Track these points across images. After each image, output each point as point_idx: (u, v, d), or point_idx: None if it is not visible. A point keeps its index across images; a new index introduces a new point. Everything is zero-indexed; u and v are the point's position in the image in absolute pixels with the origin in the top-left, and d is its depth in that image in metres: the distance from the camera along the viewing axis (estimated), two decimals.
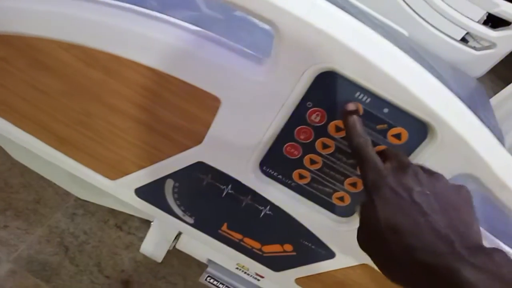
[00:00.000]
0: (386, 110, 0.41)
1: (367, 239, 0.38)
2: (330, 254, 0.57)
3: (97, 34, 0.44)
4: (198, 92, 0.44)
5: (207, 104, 0.45)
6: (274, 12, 0.36)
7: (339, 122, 0.43)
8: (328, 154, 0.46)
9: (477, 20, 1.04)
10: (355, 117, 0.41)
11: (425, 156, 0.43)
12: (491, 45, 1.07)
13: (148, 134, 0.50)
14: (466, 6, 1.03)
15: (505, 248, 0.50)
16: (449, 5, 1.04)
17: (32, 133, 0.55)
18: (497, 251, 0.32)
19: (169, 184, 0.55)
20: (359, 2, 0.98)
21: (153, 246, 0.78)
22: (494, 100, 1.15)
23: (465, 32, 1.15)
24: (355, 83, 0.40)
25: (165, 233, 0.75)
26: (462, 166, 0.43)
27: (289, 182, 0.50)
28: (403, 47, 0.38)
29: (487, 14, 1.10)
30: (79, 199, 1.04)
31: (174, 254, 0.84)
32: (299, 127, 0.45)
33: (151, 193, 0.58)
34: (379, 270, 0.37)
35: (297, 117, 0.44)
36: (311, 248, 0.57)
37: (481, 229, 0.51)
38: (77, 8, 0.43)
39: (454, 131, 0.40)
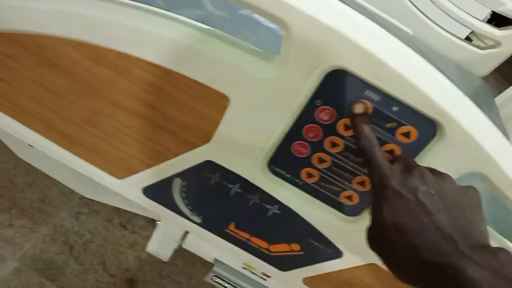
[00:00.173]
0: (395, 109, 0.41)
1: (375, 239, 0.39)
2: (337, 254, 0.57)
3: (105, 32, 0.43)
4: (206, 90, 0.44)
5: (216, 102, 0.45)
6: (284, 10, 0.36)
7: (348, 120, 0.43)
8: (336, 153, 0.46)
9: (481, 19, 1.04)
10: (362, 119, 0.41)
11: (434, 155, 0.43)
12: (496, 44, 1.07)
13: (156, 133, 0.50)
14: (470, 5, 1.03)
15: None
16: (453, 4, 1.03)
17: (39, 131, 0.55)
18: (502, 250, 0.32)
19: (177, 183, 0.55)
20: (364, 0, 0.97)
21: (159, 245, 0.78)
22: (498, 100, 1.15)
23: (470, 31, 1.15)
24: (364, 81, 0.40)
25: (172, 232, 0.75)
26: (471, 165, 0.43)
27: (297, 181, 0.50)
28: (408, 45, 0.38)
29: (491, 12, 1.10)
30: (84, 197, 1.04)
31: (178, 253, 0.84)
32: (308, 125, 0.45)
33: (158, 192, 0.58)
34: (387, 270, 0.37)
35: (306, 115, 0.44)
36: (318, 248, 0.57)
37: (489, 229, 0.51)
38: (85, 6, 0.43)
39: (464, 129, 0.40)
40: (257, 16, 0.68)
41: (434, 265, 0.32)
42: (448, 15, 1.02)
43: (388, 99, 0.41)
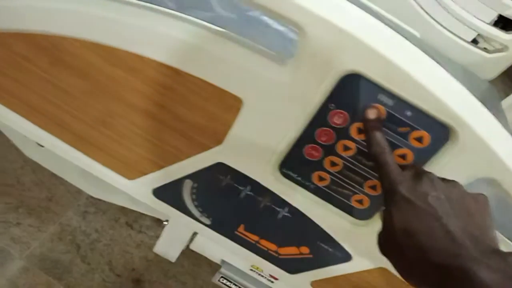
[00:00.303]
0: (409, 113, 0.41)
1: (386, 243, 0.39)
2: (347, 257, 0.57)
3: (119, 33, 0.44)
4: (220, 93, 0.44)
5: (229, 105, 0.45)
6: (300, 13, 0.36)
7: (361, 124, 0.43)
8: (349, 156, 0.46)
9: (488, 21, 1.04)
10: (375, 124, 0.41)
11: (447, 159, 0.43)
12: (503, 48, 1.06)
13: (168, 134, 0.50)
14: (478, 8, 1.03)
15: None
16: (461, 7, 1.03)
17: (51, 131, 0.55)
18: None
19: (188, 185, 0.55)
20: (371, 2, 0.97)
21: (167, 246, 0.78)
22: (505, 103, 1.15)
23: (477, 33, 1.14)
24: (379, 85, 0.40)
25: (180, 233, 0.76)
26: (483, 170, 0.43)
27: (308, 184, 0.50)
28: None
29: (498, 15, 1.10)
30: (91, 197, 1.04)
31: (185, 253, 0.84)
32: (321, 129, 0.45)
33: (168, 193, 0.58)
34: (397, 274, 0.37)
35: (319, 118, 0.44)
36: (328, 251, 0.57)
37: (499, 234, 0.51)
38: (101, 7, 0.43)
39: (477, 135, 0.40)
40: (265, 17, 0.68)
41: (444, 268, 0.33)
42: (455, 18, 1.02)
43: (402, 103, 0.41)
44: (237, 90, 0.44)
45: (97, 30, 0.44)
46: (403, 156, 0.44)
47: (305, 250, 0.59)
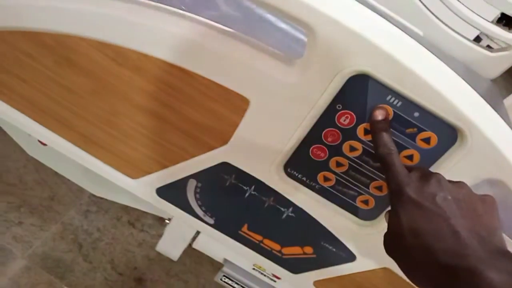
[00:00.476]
0: (416, 114, 0.41)
1: (392, 244, 0.39)
2: (351, 257, 0.57)
3: (127, 32, 0.43)
4: (226, 93, 0.44)
5: (236, 105, 0.45)
6: (310, 14, 0.36)
7: (368, 125, 0.43)
8: (355, 157, 0.46)
9: (491, 19, 1.03)
10: (382, 125, 0.41)
11: (454, 161, 0.43)
12: (507, 47, 1.06)
13: (174, 134, 0.50)
14: (481, 6, 1.02)
15: None
16: (465, 5, 1.03)
17: (55, 130, 0.55)
18: None
19: (192, 184, 0.55)
20: (376, 1, 0.97)
21: (169, 245, 0.78)
22: (508, 101, 1.14)
23: (479, 31, 1.14)
24: (387, 86, 0.40)
25: (183, 232, 0.75)
26: (490, 171, 0.43)
27: (313, 184, 0.50)
28: None
29: (501, 12, 1.09)
30: (93, 196, 1.04)
31: (187, 252, 0.84)
32: (327, 129, 0.45)
33: (172, 192, 0.58)
34: (404, 275, 0.37)
35: (326, 119, 0.44)
36: (332, 251, 0.57)
37: (505, 236, 0.51)
38: (106, 5, 0.43)
39: (485, 136, 0.40)
40: (270, 16, 0.68)
41: (452, 269, 0.33)
42: (459, 17, 1.02)
43: (410, 104, 0.40)
44: (244, 90, 0.44)
45: (103, 28, 0.44)
46: (409, 157, 0.44)
47: (309, 250, 0.58)
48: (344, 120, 0.43)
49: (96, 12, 0.43)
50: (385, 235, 0.40)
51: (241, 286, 0.78)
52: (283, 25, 0.68)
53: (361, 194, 0.49)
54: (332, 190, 0.50)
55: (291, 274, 0.63)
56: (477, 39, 1.10)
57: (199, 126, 0.48)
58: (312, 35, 0.38)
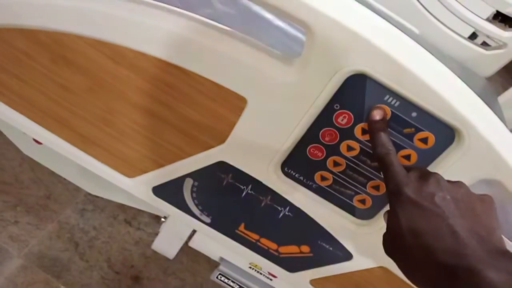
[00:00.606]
0: (414, 114, 0.41)
1: (391, 244, 0.39)
2: (347, 256, 0.57)
3: (124, 31, 0.43)
4: (224, 91, 0.44)
5: (233, 104, 0.45)
6: (308, 13, 0.36)
7: (365, 125, 0.43)
8: (352, 157, 0.46)
9: (487, 16, 1.03)
10: (380, 125, 0.41)
11: (451, 161, 0.43)
12: (502, 45, 1.06)
13: (170, 133, 0.50)
14: (476, 4, 1.03)
15: None
16: (460, 3, 1.03)
17: (51, 129, 0.55)
18: None
19: (188, 183, 0.55)
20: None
21: (165, 243, 0.78)
22: (503, 98, 1.14)
23: (474, 29, 1.14)
24: (385, 86, 0.40)
25: (179, 231, 0.75)
26: (487, 171, 0.43)
27: (310, 183, 0.50)
28: None
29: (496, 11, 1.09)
30: (89, 194, 1.03)
31: (183, 250, 0.84)
32: (325, 129, 0.45)
33: (169, 191, 0.57)
34: (402, 274, 0.37)
35: (324, 119, 0.44)
36: (328, 250, 0.57)
37: (503, 237, 0.51)
38: (104, 3, 0.43)
39: (483, 137, 0.40)
40: (266, 14, 0.68)
41: (451, 268, 0.33)
42: (455, 15, 1.02)
43: (408, 104, 0.40)
44: (241, 89, 0.44)
45: (99, 26, 0.43)
46: (407, 157, 0.44)
47: (305, 249, 0.59)
48: (342, 120, 0.43)
49: (92, 9, 0.42)
50: (384, 235, 0.39)
51: (238, 284, 0.78)
52: (279, 23, 0.68)
53: (358, 193, 0.49)
54: (329, 189, 0.50)
55: (287, 272, 0.63)
56: (474, 36, 1.10)
57: (196, 125, 0.48)
58: (311, 35, 0.37)
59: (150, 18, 0.43)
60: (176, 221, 0.75)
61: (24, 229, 0.94)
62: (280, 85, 0.42)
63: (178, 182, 0.56)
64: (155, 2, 0.44)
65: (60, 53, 0.46)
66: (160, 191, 0.58)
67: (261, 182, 0.52)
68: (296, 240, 0.58)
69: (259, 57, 0.42)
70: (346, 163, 0.47)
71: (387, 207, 0.44)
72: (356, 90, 0.41)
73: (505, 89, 1.14)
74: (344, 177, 0.48)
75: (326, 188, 0.50)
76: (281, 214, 0.55)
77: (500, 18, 1.08)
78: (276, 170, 0.50)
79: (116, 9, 0.42)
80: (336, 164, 0.47)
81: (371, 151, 0.44)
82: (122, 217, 1.05)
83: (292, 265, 0.62)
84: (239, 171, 0.51)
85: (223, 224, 0.60)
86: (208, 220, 0.59)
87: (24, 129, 0.55)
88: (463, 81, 0.39)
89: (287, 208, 0.54)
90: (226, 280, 0.78)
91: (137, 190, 0.59)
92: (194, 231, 0.76)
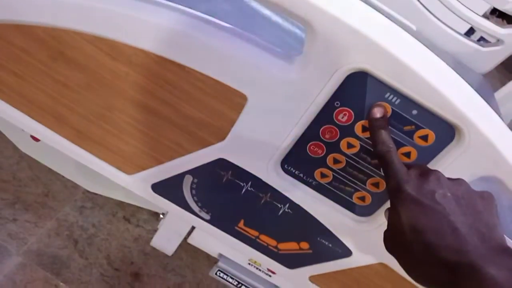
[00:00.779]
0: (414, 112, 0.41)
1: (392, 241, 0.39)
2: (347, 253, 0.57)
3: (121, 26, 0.43)
4: (224, 89, 0.44)
5: (233, 101, 0.45)
6: (310, 11, 0.36)
7: (366, 122, 0.43)
8: (352, 154, 0.46)
9: (483, 12, 1.03)
10: (380, 123, 0.41)
11: (451, 159, 0.43)
12: (499, 42, 1.06)
13: (170, 130, 0.50)
14: (473, 1, 1.03)
15: None
16: (457, 0, 1.03)
17: (49, 126, 0.54)
18: None
19: (188, 180, 0.55)
20: None
21: (164, 240, 0.78)
22: (499, 94, 1.15)
23: (471, 26, 1.14)
24: (386, 84, 0.40)
25: (178, 227, 0.75)
26: (487, 168, 0.44)
27: (310, 180, 0.50)
28: None
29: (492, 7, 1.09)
30: (88, 192, 1.03)
31: (183, 246, 0.84)
32: (325, 126, 0.45)
33: (168, 188, 0.57)
34: (402, 271, 0.37)
35: (324, 116, 0.44)
36: (328, 247, 0.57)
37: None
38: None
39: (483, 134, 0.40)
40: (264, 10, 0.67)
41: (452, 265, 0.33)
42: (452, 11, 1.02)
43: (408, 102, 0.40)
44: (242, 87, 0.43)
45: (97, 22, 0.43)
46: (407, 155, 0.44)
47: (305, 245, 0.59)
48: (342, 117, 0.43)
49: (90, 5, 0.42)
50: (385, 233, 0.40)
51: (236, 280, 0.78)
52: (279, 19, 0.68)
53: (357, 190, 0.49)
54: (329, 186, 0.50)
55: (286, 269, 0.63)
56: (471, 31, 1.09)
57: (195, 121, 0.48)
58: (312, 32, 0.37)
59: (148, 14, 0.42)
60: (175, 218, 0.74)
61: (23, 227, 0.94)
62: (280, 82, 0.42)
63: (177, 179, 0.55)
64: None
65: (58, 49, 0.46)
66: (159, 188, 0.58)
67: (260, 179, 0.52)
68: (296, 237, 0.58)
69: (260, 54, 0.42)
70: (346, 160, 0.47)
71: (387, 204, 0.45)
72: (357, 88, 0.41)
73: (503, 84, 1.14)
74: (344, 174, 0.48)
75: (326, 185, 0.50)
76: (280, 211, 0.55)
77: (497, 13, 1.08)
78: (276, 167, 0.50)
79: (114, 4, 0.42)
80: (336, 161, 0.47)
81: (371, 149, 0.44)
82: (121, 214, 1.05)
83: (291, 261, 0.62)
84: (238, 168, 0.51)
85: (223, 221, 0.60)
86: (207, 217, 0.59)
87: (22, 126, 0.55)
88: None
89: (287, 205, 0.54)
90: (225, 276, 0.78)
91: (135, 187, 0.59)
92: (193, 228, 0.76)
